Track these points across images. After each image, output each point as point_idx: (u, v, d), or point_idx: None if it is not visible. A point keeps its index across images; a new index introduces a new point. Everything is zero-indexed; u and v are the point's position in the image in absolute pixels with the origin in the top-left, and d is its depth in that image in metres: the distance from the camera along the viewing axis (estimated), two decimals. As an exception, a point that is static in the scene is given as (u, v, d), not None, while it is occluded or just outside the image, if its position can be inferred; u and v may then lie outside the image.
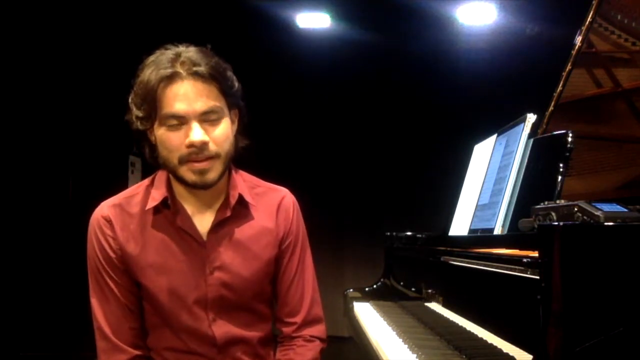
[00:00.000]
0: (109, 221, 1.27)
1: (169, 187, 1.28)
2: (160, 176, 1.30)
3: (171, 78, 1.15)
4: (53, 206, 3.98)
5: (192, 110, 1.15)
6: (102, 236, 1.27)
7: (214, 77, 1.17)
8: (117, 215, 1.28)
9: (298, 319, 1.38)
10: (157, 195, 1.27)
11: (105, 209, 1.29)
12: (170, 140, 1.18)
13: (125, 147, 4.23)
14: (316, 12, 4.35)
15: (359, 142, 4.58)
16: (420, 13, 4.03)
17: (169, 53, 1.18)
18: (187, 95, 1.15)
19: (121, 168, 4.23)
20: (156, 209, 1.27)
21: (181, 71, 1.15)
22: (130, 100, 1.20)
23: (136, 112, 1.19)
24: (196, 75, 1.15)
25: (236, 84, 1.25)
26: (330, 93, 4.49)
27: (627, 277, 0.86)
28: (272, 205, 1.36)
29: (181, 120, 1.16)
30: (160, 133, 1.19)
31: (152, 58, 1.19)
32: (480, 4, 4.16)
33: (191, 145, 1.16)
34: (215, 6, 4.15)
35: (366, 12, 4.25)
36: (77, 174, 4.06)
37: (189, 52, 1.17)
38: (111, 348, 1.27)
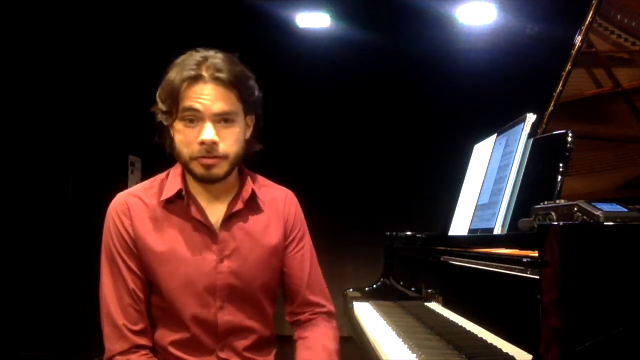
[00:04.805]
0: (127, 209, 1.34)
1: (184, 180, 1.36)
2: (176, 170, 1.38)
3: (195, 79, 1.24)
4: (53, 206, 3.98)
5: (208, 110, 1.24)
6: (119, 223, 1.33)
7: (234, 85, 1.26)
8: (134, 205, 1.34)
9: (307, 293, 1.45)
10: (172, 187, 1.34)
11: (123, 198, 1.36)
12: (186, 136, 1.26)
13: (125, 147, 4.23)
14: (316, 12, 4.35)
15: (359, 142, 4.58)
16: (420, 13, 4.03)
17: (197, 56, 1.26)
18: (206, 97, 1.24)
19: (121, 168, 4.23)
20: (171, 201, 1.34)
21: (205, 75, 1.24)
22: (157, 95, 1.30)
23: (161, 106, 1.28)
24: (218, 80, 1.24)
25: (256, 93, 1.34)
26: (330, 93, 4.49)
27: (627, 277, 0.87)
28: (278, 201, 1.45)
29: (197, 116, 1.24)
30: (179, 128, 1.27)
31: (181, 59, 1.28)
32: (480, 4, 4.16)
33: (202, 143, 1.24)
34: (215, 6, 4.15)
35: (366, 12, 4.25)
36: (77, 174, 4.06)
37: (216, 58, 1.26)
38: (118, 334, 1.30)
